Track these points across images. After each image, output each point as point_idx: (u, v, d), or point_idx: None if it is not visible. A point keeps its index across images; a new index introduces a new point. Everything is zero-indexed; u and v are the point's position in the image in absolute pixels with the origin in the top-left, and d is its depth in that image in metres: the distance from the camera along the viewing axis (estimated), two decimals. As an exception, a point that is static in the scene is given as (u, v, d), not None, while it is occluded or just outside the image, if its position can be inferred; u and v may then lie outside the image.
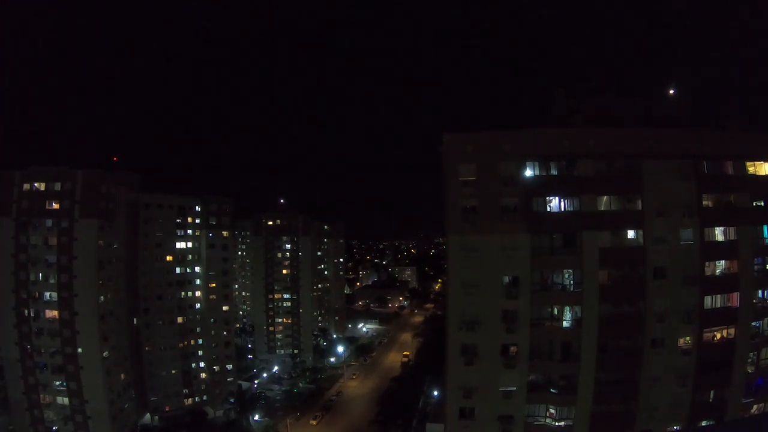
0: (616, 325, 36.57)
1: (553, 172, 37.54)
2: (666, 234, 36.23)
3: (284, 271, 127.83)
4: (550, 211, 37.43)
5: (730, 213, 37.29)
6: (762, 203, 37.94)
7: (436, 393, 78.85)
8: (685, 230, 36.45)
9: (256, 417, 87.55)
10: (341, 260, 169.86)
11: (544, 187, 37.29)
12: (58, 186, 66.59)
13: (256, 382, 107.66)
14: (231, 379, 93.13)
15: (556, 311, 37.56)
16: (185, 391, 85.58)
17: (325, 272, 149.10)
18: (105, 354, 66.16)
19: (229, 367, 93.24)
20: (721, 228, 37.38)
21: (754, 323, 37.56)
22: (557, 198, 37.41)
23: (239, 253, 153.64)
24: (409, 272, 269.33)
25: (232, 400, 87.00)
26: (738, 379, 36.78)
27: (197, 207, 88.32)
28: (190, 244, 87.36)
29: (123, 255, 75.20)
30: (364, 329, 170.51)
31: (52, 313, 65.62)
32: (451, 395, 38.76)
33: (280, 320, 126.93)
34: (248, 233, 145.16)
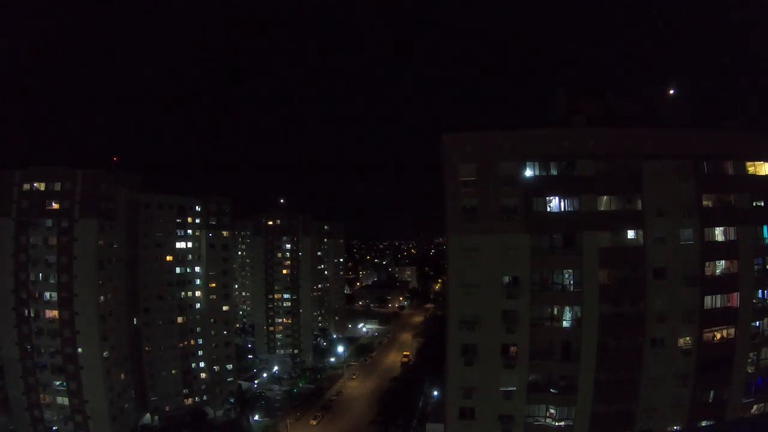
0: (616, 325, 36.59)
1: (553, 172, 37.57)
2: (666, 234, 36.23)
3: (284, 271, 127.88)
4: (550, 211, 37.44)
5: (730, 213, 37.29)
6: (762, 203, 37.96)
7: (436, 393, 78.95)
8: (685, 230, 36.45)
9: (256, 417, 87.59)
10: (341, 260, 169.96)
11: (544, 187, 37.30)
12: (58, 186, 66.61)
13: (256, 382, 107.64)
14: (231, 379, 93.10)
15: (556, 311, 37.55)
16: (185, 391, 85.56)
17: (325, 272, 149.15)
18: (105, 354, 66.15)
19: (229, 367, 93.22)
20: (721, 228, 37.39)
21: (754, 323, 37.58)
22: (557, 198, 37.42)
23: (239, 253, 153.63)
24: (409, 272, 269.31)
25: (232, 400, 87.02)
26: (738, 379, 36.78)
27: (197, 207, 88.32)
28: (190, 244, 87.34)
29: (123, 255, 75.23)
30: (364, 329, 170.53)
31: (52, 313, 65.61)
32: (451, 395, 38.77)
33: (280, 320, 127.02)
34: (248, 233, 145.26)
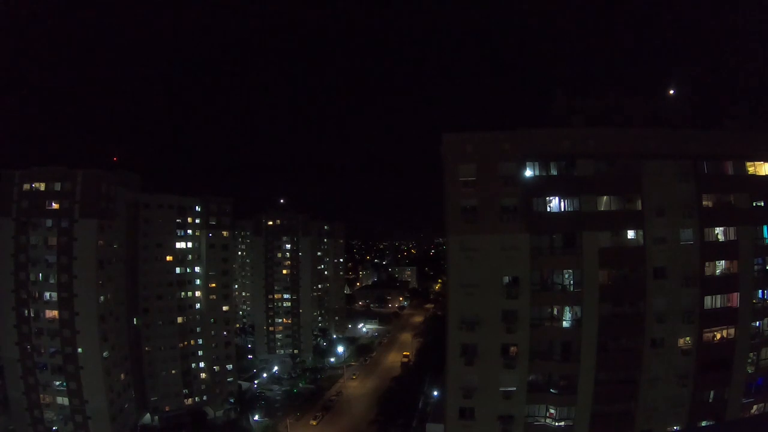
0: (616, 325, 36.58)
1: (553, 172, 37.54)
2: (666, 234, 36.22)
3: (284, 271, 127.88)
4: (550, 211, 37.41)
5: (730, 213, 37.29)
6: (762, 203, 37.92)
7: (436, 393, 78.90)
8: (685, 230, 36.46)
9: (256, 417, 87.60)
10: (341, 260, 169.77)
11: (544, 187, 37.28)
12: (58, 186, 66.47)
13: (256, 382, 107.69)
14: (231, 379, 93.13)
15: (556, 311, 37.53)
16: (185, 391, 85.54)
17: (325, 272, 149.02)
18: (105, 354, 66.10)
19: (229, 367, 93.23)
20: (721, 228, 37.39)
21: (754, 323, 37.57)
22: (557, 198, 37.39)
23: (239, 253, 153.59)
24: (409, 272, 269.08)
25: (232, 400, 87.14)
26: (738, 379, 36.78)
27: (197, 207, 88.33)
28: (190, 244, 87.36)
29: (123, 255, 75.16)
30: (364, 329, 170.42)
31: (52, 313, 65.53)
32: (451, 395, 38.76)
33: (280, 320, 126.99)
34: (248, 233, 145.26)
